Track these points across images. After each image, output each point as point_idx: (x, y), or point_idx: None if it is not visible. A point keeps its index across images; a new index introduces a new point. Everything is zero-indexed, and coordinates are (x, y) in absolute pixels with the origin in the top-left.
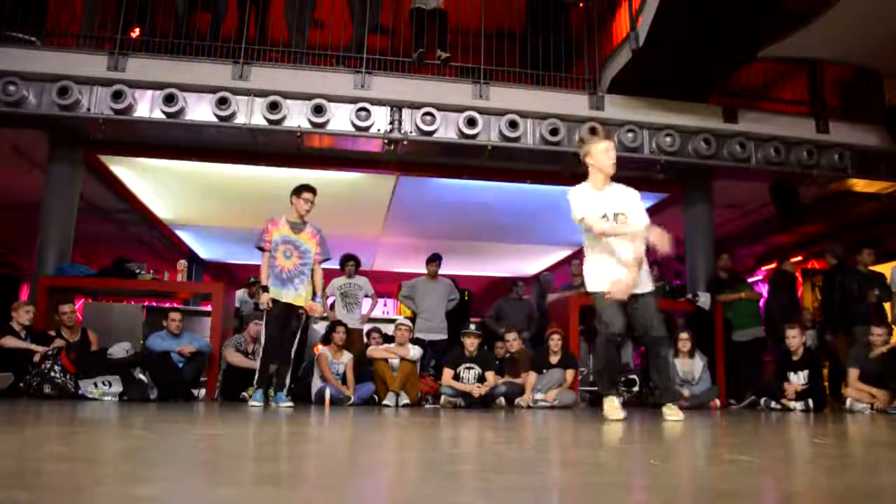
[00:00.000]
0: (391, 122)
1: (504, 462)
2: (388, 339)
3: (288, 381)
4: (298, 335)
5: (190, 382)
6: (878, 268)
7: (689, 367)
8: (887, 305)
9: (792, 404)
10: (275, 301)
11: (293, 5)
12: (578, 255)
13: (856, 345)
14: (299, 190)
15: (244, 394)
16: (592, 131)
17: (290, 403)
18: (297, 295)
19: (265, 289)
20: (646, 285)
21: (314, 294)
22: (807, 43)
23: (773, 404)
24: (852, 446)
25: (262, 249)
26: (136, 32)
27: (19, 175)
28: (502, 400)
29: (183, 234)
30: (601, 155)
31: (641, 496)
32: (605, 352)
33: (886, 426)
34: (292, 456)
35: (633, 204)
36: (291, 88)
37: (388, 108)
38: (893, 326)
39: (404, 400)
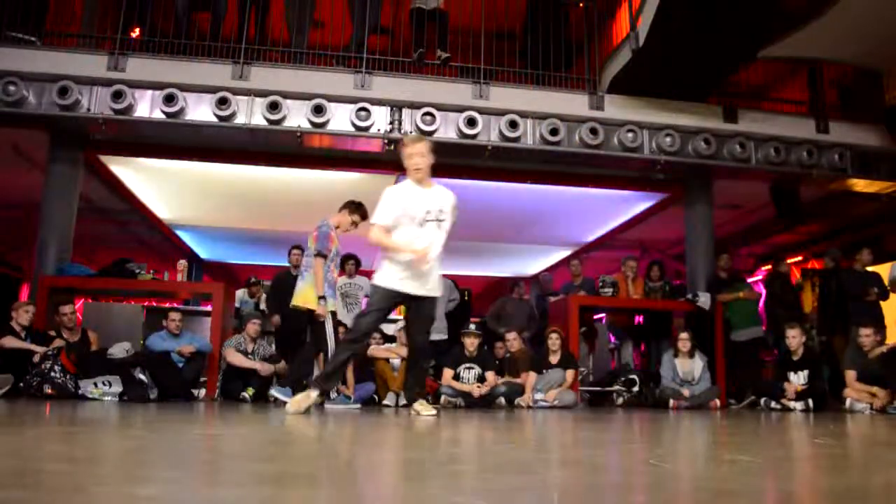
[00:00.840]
0: (391, 122)
1: (504, 462)
2: (388, 339)
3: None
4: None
5: (190, 382)
6: (876, 268)
7: (689, 367)
8: (885, 304)
9: (792, 404)
10: (334, 313)
11: (293, 5)
12: (578, 254)
13: (849, 346)
14: (357, 208)
15: (244, 394)
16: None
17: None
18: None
19: (324, 298)
20: (436, 289)
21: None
22: (807, 43)
23: (773, 404)
24: (852, 446)
25: (323, 256)
26: (136, 32)
27: (19, 175)
28: (502, 400)
29: (183, 234)
30: (404, 159)
31: (641, 496)
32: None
33: (886, 426)
34: (292, 456)
35: (448, 207)
36: (291, 88)
37: (388, 108)
38: None
39: (404, 400)
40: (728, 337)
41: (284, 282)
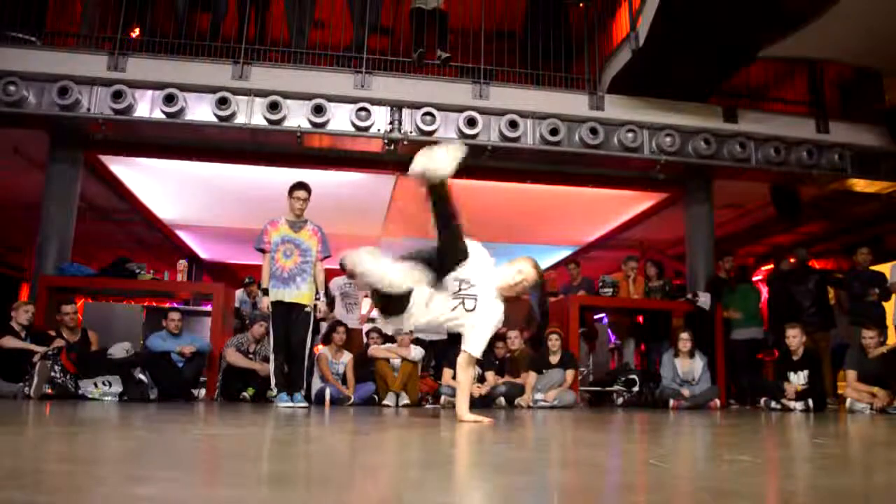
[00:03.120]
0: (391, 122)
1: (504, 462)
2: (387, 339)
3: (304, 381)
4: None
5: (190, 382)
6: (875, 268)
7: (689, 367)
8: (887, 305)
9: (792, 404)
10: (277, 303)
11: (293, 5)
12: (578, 255)
13: (851, 346)
14: (291, 189)
15: (244, 394)
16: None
17: (305, 404)
18: (299, 293)
19: (265, 291)
20: None
21: (317, 292)
22: (807, 43)
23: (773, 404)
24: (852, 446)
25: (262, 251)
26: (136, 32)
27: (19, 175)
28: (502, 400)
29: (183, 234)
30: None
31: (641, 496)
32: None
33: (886, 426)
34: (292, 456)
35: None
36: (291, 88)
37: (388, 108)
38: (893, 326)
39: (404, 400)
40: (727, 336)
41: None
